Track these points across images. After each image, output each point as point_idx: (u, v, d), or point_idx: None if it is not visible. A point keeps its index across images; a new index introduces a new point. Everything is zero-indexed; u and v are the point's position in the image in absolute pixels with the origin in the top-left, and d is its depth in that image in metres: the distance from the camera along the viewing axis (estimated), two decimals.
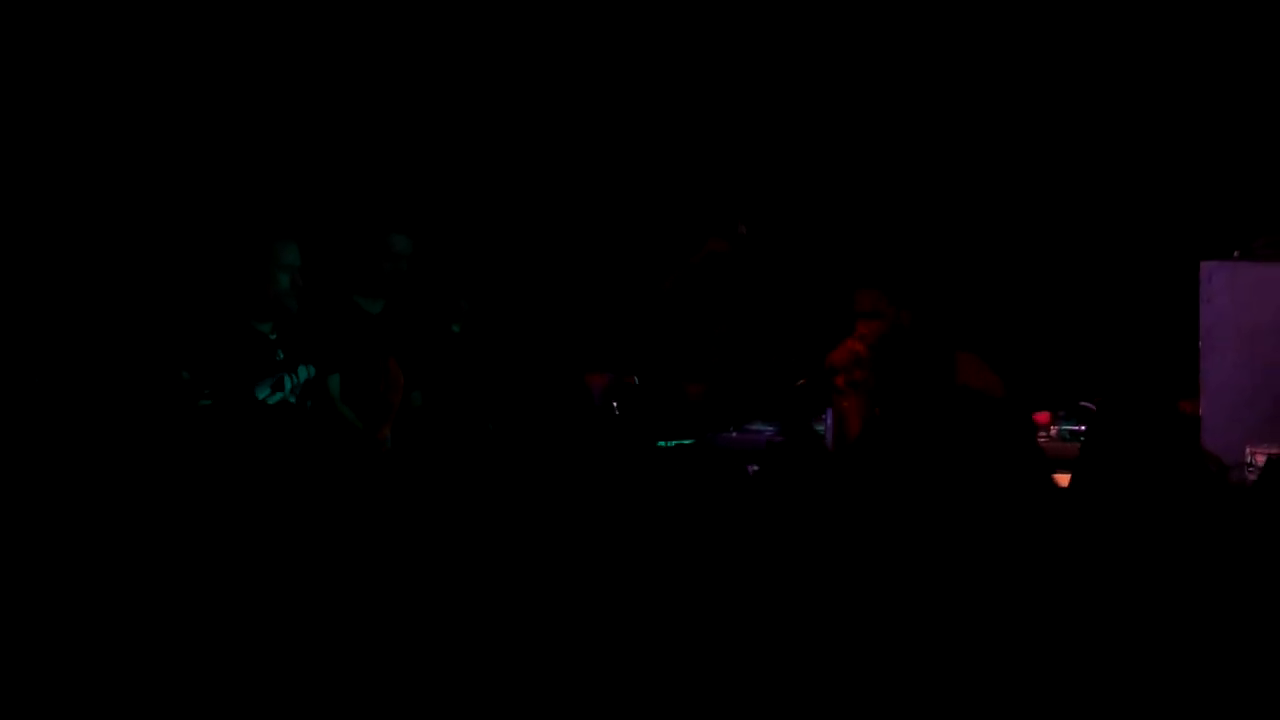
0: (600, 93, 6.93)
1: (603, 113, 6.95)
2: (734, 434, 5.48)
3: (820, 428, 5.08)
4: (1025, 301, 6.72)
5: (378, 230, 5.21)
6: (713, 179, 7.00)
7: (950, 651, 2.35)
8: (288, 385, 4.54)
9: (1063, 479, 2.87)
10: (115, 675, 3.09)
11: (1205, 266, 4.47)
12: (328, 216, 5.79)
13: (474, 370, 5.65)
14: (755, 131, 7.02)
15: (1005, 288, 6.73)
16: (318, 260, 4.74)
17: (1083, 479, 2.85)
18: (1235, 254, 4.50)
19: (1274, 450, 4.00)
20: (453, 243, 6.11)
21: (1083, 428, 4.96)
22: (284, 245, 4.51)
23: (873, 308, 4.52)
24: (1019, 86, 6.78)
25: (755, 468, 4.53)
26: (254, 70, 6.25)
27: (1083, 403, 5.14)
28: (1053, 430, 5.05)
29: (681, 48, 6.92)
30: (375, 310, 5.25)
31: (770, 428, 5.47)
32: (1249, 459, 4.12)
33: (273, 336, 4.55)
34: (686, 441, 5.03)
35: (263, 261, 4.47)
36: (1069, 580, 2.49)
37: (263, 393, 4.48)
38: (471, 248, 6.47)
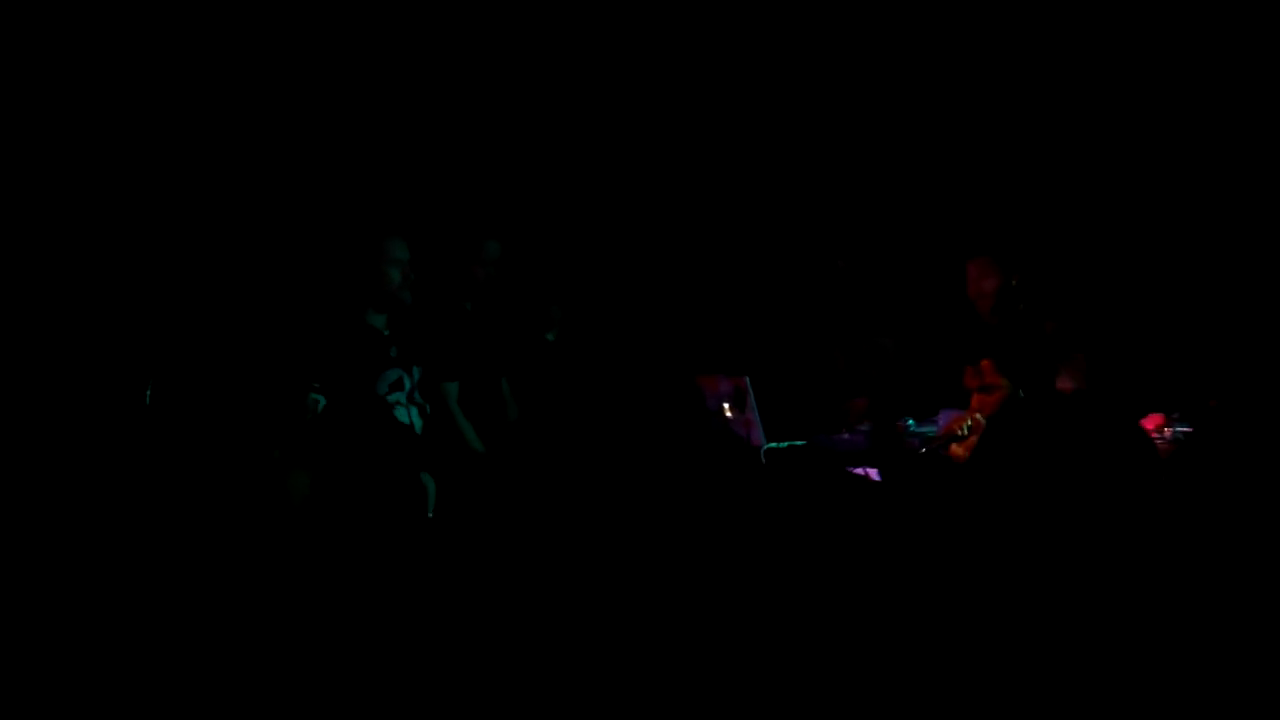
0: (685, 92, 6.99)
1: (690, 109, 7.01)
2: (846, 436, 5.42)
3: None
4: (1140, 304, 6.63)
5: (473, 235, 5.28)
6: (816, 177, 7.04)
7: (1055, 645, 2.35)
8: (407, 385, 4.59)
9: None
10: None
11: None
12: (424, 220, 5.88)
13: (572, 378, 5.70)
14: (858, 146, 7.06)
15: (1120, 290, 6.65)
16: (419, 263, 4.81)
17: (1189, 475, 2.83)
18: None
19: None
20: (545, 248, 6.17)
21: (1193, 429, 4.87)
22: (393, 240, 4.56)
23: (987, 380, 4.43)
24: (1138, 98, 6.72)
25: (858, 470, 4.52)
26: (361, 86, 6.41)
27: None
28: (1166, 432, 4.95)
29: (788, 65, 6.95)
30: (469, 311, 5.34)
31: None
32: None
33: (386, 332, 4.61)
34: (798, 443, 5.01)
35: (374, 256, 4.54)
36: (1181, 579, 2.48)
37: (382, 389, 4.52)
38: (567, 252, 6.53)
